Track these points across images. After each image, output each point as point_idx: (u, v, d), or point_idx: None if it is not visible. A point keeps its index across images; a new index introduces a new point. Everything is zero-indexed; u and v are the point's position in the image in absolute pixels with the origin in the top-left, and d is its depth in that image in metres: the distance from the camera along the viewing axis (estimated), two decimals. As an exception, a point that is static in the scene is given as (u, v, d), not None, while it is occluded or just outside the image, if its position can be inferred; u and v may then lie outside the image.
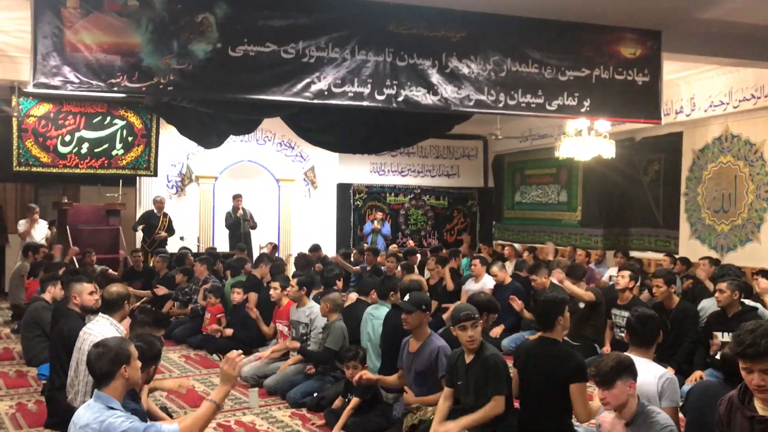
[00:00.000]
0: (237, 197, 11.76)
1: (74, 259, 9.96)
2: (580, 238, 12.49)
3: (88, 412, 3.02)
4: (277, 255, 11.32)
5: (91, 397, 3.30)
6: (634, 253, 11.18)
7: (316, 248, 11.22)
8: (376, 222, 13.28)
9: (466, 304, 4.36)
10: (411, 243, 13.54)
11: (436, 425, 4.09)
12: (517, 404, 4.28)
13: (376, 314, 5.78)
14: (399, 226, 14.70)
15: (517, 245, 13.13)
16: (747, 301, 5.80)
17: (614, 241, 11.89)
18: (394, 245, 13.27)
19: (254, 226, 11.97)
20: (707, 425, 3.34)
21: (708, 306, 6.07)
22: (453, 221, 15.29)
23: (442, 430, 4.02)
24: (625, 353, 3.59)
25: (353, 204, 14.25)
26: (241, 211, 11.64)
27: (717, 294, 5.61)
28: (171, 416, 4.69)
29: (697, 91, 9.71)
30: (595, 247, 11.79)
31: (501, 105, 6.74)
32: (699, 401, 3.53)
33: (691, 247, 10.31)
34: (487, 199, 15.37)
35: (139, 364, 3.28)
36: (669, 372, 3.80)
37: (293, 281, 6.28)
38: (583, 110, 7.03)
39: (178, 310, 8.63)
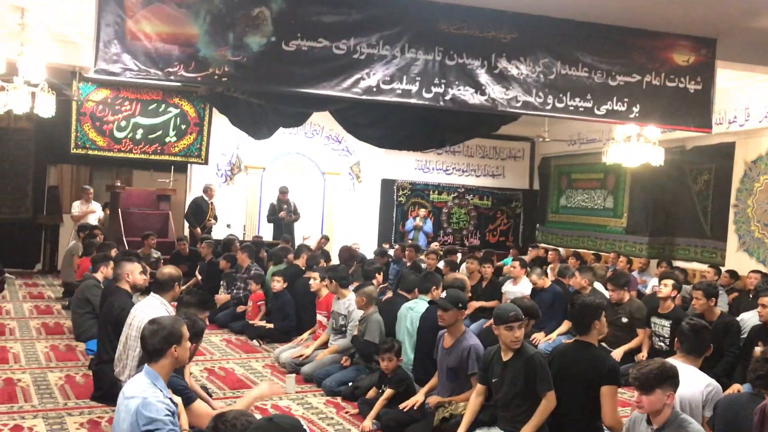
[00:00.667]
0: (284, 191, 11.92)
1: (125, 240, 10.29)
2: (625, 245, 12.35)
3: (134, 386, 3.18)
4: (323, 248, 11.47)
5: (136, 372, 3.46)
6: (679, 263, 11.01)
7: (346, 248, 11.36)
8: (418, 219, 13.35)
9: (512, 305, 4.38)
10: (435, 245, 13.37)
11: (466, 425, 4.15)
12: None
13: (415, 308, 5.84)
14: (441, 224, 14.75)
15: (561, 249, 13.06)
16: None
17: (659, 250, 11.72)
18: (435, 243, 13.34)
19: (296, 219, 12.14)
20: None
21: (748, 318, 5.98)
22: (496, 222, 15.28)
23: None
24: (669, 360, 3.61)
25: (396, 200, 14.35)
26: (284, 212, 11.75)
27: (759, 308, 5.53)
28: (210, 395, 4.87)
29: (753, 100, 9.52)
30: (640, 255, 11.65)
31: (549, 107, 6.74)
32: (725, 413, 3.51)
33: (738, 260, 10.11)
34: (532, 201, 15.31)
35: (189, 344, 3.39)
36: (712, 381, 3.79)
37: (314, 275, 6.45)
38: (632, 116, 6.97)
39: (224, 296, 8.75)
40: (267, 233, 12.27)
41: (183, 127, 11.55)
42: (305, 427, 2.36)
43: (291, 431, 2.28)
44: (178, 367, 3.50)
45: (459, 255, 11.26)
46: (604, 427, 4.15)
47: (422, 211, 13.62)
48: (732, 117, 9.86)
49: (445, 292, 4.76)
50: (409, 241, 12.12)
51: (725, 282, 9.35)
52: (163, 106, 11.31)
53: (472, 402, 4.28)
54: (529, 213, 15.32)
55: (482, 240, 14.91)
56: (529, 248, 12.97)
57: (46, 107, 8.01)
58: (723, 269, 9.87)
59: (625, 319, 6.54)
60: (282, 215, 11.76)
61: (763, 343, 5.44)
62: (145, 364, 3.27)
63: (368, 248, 11.95)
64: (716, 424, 3.56)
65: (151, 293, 4.69)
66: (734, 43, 6.94)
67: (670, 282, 6.28)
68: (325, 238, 11.70)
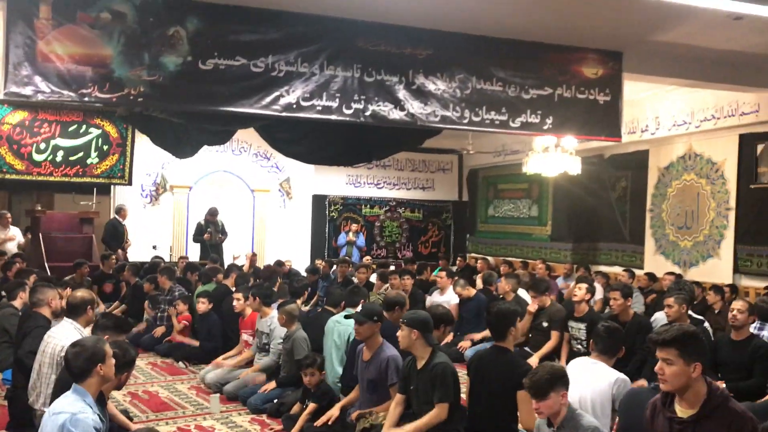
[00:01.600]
0: (212, 213, 11.78)
1: (47, 265, 9.98)
2: (550, 252, 12.71)
3: (63, 401, 3.20)
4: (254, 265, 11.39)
5: (51, 401, 3.41)
6: (602, 268, 11.41)
7: (279, 264, 11.33)
8: (351, 234, 13.42)
9: (411, 312, 4.55)
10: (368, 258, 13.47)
11: (386, 430, 4.22)
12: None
13: (342, 322, 5.89)
14: (374, 237, 14.85)
15: (489, 258, 13.35)
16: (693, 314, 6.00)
17: (583, 256, 12.11)
18: (368, 257, 13.43)
19: (223, 240, 11.99)
20: (634, 427, 3.50)
21: (660, 318, 6.27)
22: (428, 234, 15.49)
23: None
24: (584, 359, 3.77)
25: (328, 215, 14.39)
26: (209, 234, 11.62)
27: (666, 309, 5.82)
28: (131, 419, 4.78)
29: (662, 110, 9.99)
30: (564, 261, 12.02)
31: (466, 121, 6.94)
32: (628, 404, 3.71)
33: (655, 262, 10.56)
34: (461, 212, 15.59)
35: (113, 361, 3.42)
36: (623, 375, 3.98)
37: (238, 295, 6.46)
38: (545, 127, 7.24)
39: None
40: (195, 254, 12.10)
41: (105, 147, 11.31)
42: None
43: None
44: (106, 384, 3.48)
45: (392, 268, 11.36)
46: (521, 430, 4.29)
47: (354, 226, 13.71)
48: (644, 126, 10.32)
49: (360, 306, 4.81)
50: (341, 257, 12.16)
51: (644, 284, 9.76)
52: (84, 127, 11.05)
53: (391, 412, 4.35)
54: (460, 224, 15.60)
55: (415, 252, 15.08)
56: (458, 258, 13.20)
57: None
58: (642, 272, 10.30)
59: (545, 324, 6.75)
60: (206, 237, 11.63)
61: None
62: (73, 384, 3.26)
63: (301, 265, 11.92)
64: (619, 417, 3.74)
65: (65, 318, 4.60)
66: (639, 55, 7.31)
67: (584, 286, 6.53)
68: (254, 255, 11.63)
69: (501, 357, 4.30)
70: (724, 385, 4.99)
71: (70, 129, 10.95)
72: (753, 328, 6.03)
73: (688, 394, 2.97)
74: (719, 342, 5.52)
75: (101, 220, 12.21)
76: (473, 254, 14.69)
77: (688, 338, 3.02)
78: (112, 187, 12.04)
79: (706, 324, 6.06)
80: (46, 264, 10.52)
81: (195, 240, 11.86)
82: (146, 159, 11.86)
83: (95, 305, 4.81)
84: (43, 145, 10.77)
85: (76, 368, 3.26)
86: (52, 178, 11.00)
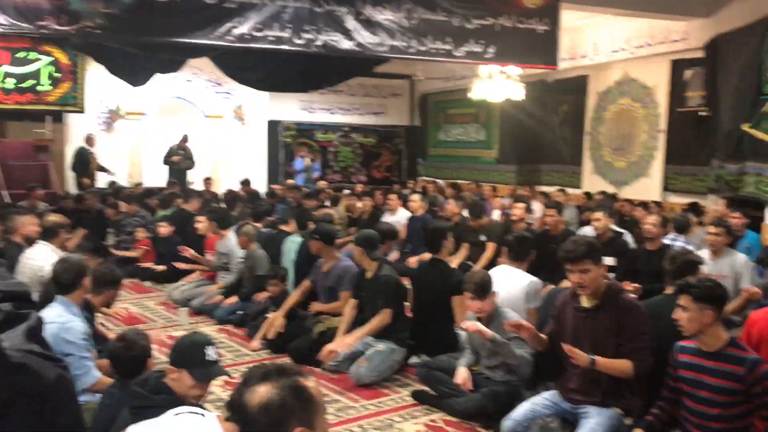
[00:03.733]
0: (184, 140, 12.23)
1: (5, 193, 10.16)
2: (497, 174, 13.32)
3: (51, 312, 3.57)
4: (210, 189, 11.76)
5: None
6: (544, 188, 12.07)
7: (246, 182, 11.74)
8: (307, 158, 13.70)
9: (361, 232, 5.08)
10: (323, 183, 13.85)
11: (341, 334, 4.81)
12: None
13: (297, 241, 6.41)
14: (328, 162, 15.22)
15: (440, 181, 13.91)
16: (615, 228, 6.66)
17: (527, 177, 12.75)
18: (323, 181, 13.85)
19: (190, 166, 12.33)
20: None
21: (587, 230, 6.92)
22: (381, 158, 15.90)
23: (342, 345, 4.67)
24: (500, 266, 4.35)
25: (282, 141, 14.64)
26: (178, 157, 11.95)
27: (594, 222, 6.42)
28: (108, 331, 5.24)
29: (600, 37, 10.48)
30: (510, 183, 12.66)
31: (413, 50, 7.32)
32: (546, 303, 4.33)
33: (592, 182, 11.26)
34: (414, 137, 16.00)
35: (89, 280, 3.80)
36: (534, 278, 4.59)
37: (201, 218, 6.88)
38: (488, 56, 7.67)
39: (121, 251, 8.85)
40: (152, 180, 12.34)
41: (57, 75, 11.33)
42: (212, 352, 2.65)
43: (190, 346, 2.63)
44: (85, 297, 3.88)
45: (345, 192, 11.85)
46: (457, 329, 4.92)
47: (307, 153, 13.98)
48: (584, 52, 10.81)
49: (317, 226, 5.30)
50: (289, 182, 12.57)
51: (581, 202, 10.45)
52: (34, 54, 11.03)
53: (346, 315, 4.93)
54: (412, 148, 16.04)
55: (368, 176, 15.54)
56: (409, 182, 13.69)
57: None
58: (580, 191, 11.01)
59: (483, 237, 7.36)
60: (175, 159, 11.92)
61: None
62: (58, 296, 3.66)
63: (258, 189, 12.30)
64: (541, 311, 4.37)
65: (39, 241, 4.97)
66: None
67: (521, 205, 7.12)
68: (209, 180, 11.98)
69: (437, 267, 4.88)
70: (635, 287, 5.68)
71: (20, 56, 10.93)
72: (669, 240, 6.75)
73: (595, 290, 3.56)
74: (637, 252, 6.17)
75: (57, 147, 12.30)
76: (425, 177, 15.22)
77: (595, 248, 3.60)
78: (65, 114, 12.07)
79: (628, 237, 6.71)
80: (2, 191, 10.69)
81: (165, 162, 12.13)
82: (99, 86, 11.89)
83: (67, 228, 5.16)
84: (-7, 72, 10.75)
85: (66, 280, 3.65)
86: (3, 106, 11.03)
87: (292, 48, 6.81)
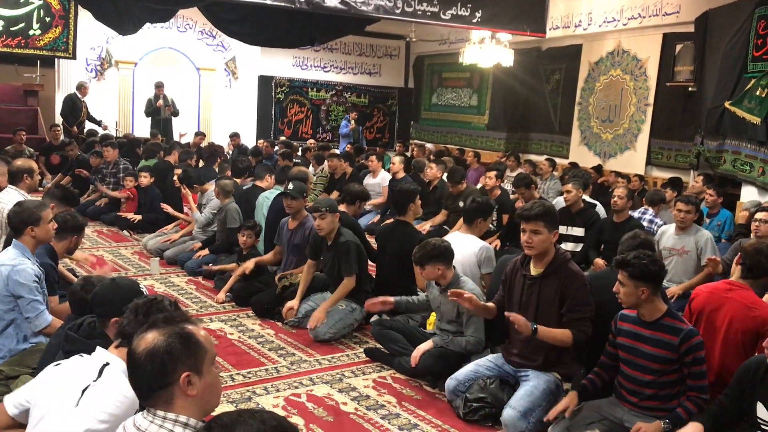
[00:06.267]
0: (159, 86, 11.99)
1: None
2: (486, 140, 13.32)
3: (5, 255, 3.67)
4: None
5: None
6: (531, 156, 12.07)
7: (235, 135, 11.79)
8: (353, 122, 13.67)
9: (323, 199, 5.10)
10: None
11: (300, 294, 4.90)
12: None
13: (270, 197, 6.46)
14: (320, 121, 15.18)
15: (429, 145, 13.91)
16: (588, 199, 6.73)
17: (516, 144, 12.75)
18: (312, 140, 13.87)
19: (176, 113, 12.29)
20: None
21: (560, 202, 6.98)
22: (373, 119, 15.85)
23: (313, 319, 4.72)
24: (455, 232, 4.41)
25: (275, 97, 14.58)
26: (161, 100, 11.93)
27: (565, 194, 6.48)
28: (76, 277, 5.33)
29: (594, 6, 10.38)
30: (498, 150, 12.66)
31: (398, 11, 7.28)
32: (499, 268, 4.41)
33: (579, 153, 11.27)
34: (407, 99, 15.91)
35: (50, 226, 3.81)
36: (486, 244, 4.67)
37: (178, 171, 6.93)
38: (475, 21, 7.63)
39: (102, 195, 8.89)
40: (142, 130, 12.34)
41: (47, 19, 11.21)
42: (143, 288, 2.87)
43: (128, 290, 2.79)
44: (44, 244, 3.93)
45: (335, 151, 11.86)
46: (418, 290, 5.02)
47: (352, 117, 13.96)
48: (578, 21, 10.72)
49: (291, 183, 5.33)
50: (349, 146, 12.66)
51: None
52: (25, -4, 10.91)
53: (305, 273, 5.02)
54: (405, 110, 15.98)
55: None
56: (397, 144, 13.69)
57: None
58: (566, 161, 11.03)
59: (461, 204, 7.42)
60: (160, 104, 11.87)
61: (566, 224, 6.45)
62: (13, 239, 3.74)
63: (248, 144, 12.30)
64: (493, 276, 4.45)
65: (8, 185, 5.03)
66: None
67: (493, 174, 7.18)
68: (201, 135, 11.95)
69: (401, 229, 4.96)
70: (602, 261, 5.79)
71: (10, -2, 10.79)
72: (638, 213, 6.83)
73: (544, 256, 3.63)
74: (604, 224, 6.25)
75: (46, 93, 12.26)
76: (416, 141, 15.19)
77: (551, 213, 3.67)
78: (56, 60, 12.00)
79: (600, 208, 6.78)
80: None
81: (147, 114, 12.10)
82: (91, 33, 11.78)
83: (34, 174, 5.18)
84: (-18, 15, 10.64)
85: (13, 225, 3.72)
86: (-7, 49, 10.95)
87: (276, 3, 6.76)
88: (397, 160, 8.69)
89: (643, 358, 3.26)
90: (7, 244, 4.27)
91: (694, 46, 8.87)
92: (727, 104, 7.72)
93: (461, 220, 7.25)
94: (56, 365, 2.25)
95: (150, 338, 1.64)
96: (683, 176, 9.10)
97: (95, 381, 2.16)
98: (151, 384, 1.66)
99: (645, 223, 6.51)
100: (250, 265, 5.37)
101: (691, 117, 9.13)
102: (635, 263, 3.19)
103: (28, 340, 3.59)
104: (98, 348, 2.20)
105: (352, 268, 4.77)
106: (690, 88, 9.05)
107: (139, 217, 7.76)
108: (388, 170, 9.09)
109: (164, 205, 7.25)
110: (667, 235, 5.67)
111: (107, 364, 2.21)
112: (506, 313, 3.51)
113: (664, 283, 3.75)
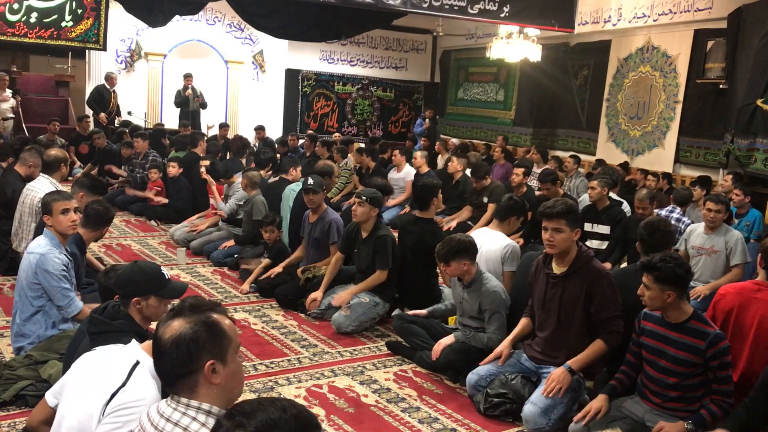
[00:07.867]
0: (187, 77, 12.11)
1: (24, 126, 10.36)
2: (512, 136, 13.22)
3: (35, 243, 3.77)
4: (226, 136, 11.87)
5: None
6: (558, 153, 11.97)
7: (260, 128, 11.87)
8: (427, 120, 13.75)
9: (368, 189, 5.13)
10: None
11: (325, 286, 4.92)
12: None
13: (297, 190, 6.49)
14: (345, 115, 15.19)
15: (455, 140, 13.87)
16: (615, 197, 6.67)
17: (542, 140, 12.64)
18: (337, 134, 13.89)
19: (204, 105, 12.41)
20: (526, 284, 4.19)
21: (585, 199, 6.93)
22: (398, 114, 15.83)
23: (338, 299, 4.81)
24: (485, 228, 4.42)
25: (301, 90, 14.62)
26: (190, 91, 12.04)
27: (589, 191, 6.43)
28: (104, 265, 5.42)
29: (625, 2, 10.25)
30: (525, 145, 12.58)
31: (426, 5, 7.27)
32: (522, 266, 4.39)
33: (606, 149, 11.16)
34: (433, 93, 15.86)
35: (62, 218, 3.81)
36: (512, 242, 4.65)
37: (205, 162, 7.01)
38: (502, 15, 7.60)
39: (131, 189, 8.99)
40: (170, 121, 12.47)
41: (79, 11, 11.35)
42: (166, 273, 2.91)
43: (149, 272, 2.84)
44: (72, 234, 4.01)
45: (357, 145, 11.87)
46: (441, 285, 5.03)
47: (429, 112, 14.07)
48: (608, 16, 10.60)
49: (310, 178, 5.35)
50: (422, 141, 12.85)
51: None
52: (57, -12, 11.05)
53: (332, 265, 5.04)
54: (430, 105, 15.92)
55: (385, 131, 15.49)
56: (422, 139, 13.66)
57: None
58: (593, 158, 10.93)
59: (485, 199, 7.40)
60: (189, 93, 11.99)
61: (591, 221, 6.40)
62: (45, 228, 3.83)
63: (274, 138, 12.37)
64: (517, 275, 4.44)
65: (41, 174, 5.13)
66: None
67: (521, 170, 7.13)
68: (226, 127, 12.06)
69: (423, 225, 4.97)
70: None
71: (43, -10, 10.94)
72: (666, 211, 6.75)
73: (566, 255, 3.61)
74: (629, 221, 6.18)
75: (77, 84, 12.44)
76: (442, 135, 15.13)
77: (573, 211, 3.64)
78: (87, 51, 12.16)
79: (625, 205, 6.71)
80: (23, 124, 10.90)
81: (177, 105, 12.22)
82: (121, 25, 11.92)
83: (68, 163, 5.29)
84: (16, 5, 10.78)
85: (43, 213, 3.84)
86: (26, 40, 11.10)
87: (305, -4, 6.80)
88: (419, 155, 8.69)
89: (667, 361, 3.20)
90: (38, 232, 4.36)
91: (726, 42, 8.73)
92: (759, 102, 7.60)
93: (485, 215, 7.31)
94: (91, 353, 2.22)
95: (176, 326, 1.67)
96: (712, 175, 8.96)
97: (124, 385, 2.04)
98: (176, 371, 1.69)
99: (672, 222, 6.44)
100: (278, 269, 5.43)
101: (720, 115, 8.99)
102: (662, 267, 3.11)
103: (57, 326, 3.67)
104: (133, 341, 2.19)
105: (387, 262, 4.81)
106: (721, 86, 8.91)
107: (165, 200, 7.88)
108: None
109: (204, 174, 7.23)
110: (695, 233, 5.60)
111: (138, 363, 2.09)
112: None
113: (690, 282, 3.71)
